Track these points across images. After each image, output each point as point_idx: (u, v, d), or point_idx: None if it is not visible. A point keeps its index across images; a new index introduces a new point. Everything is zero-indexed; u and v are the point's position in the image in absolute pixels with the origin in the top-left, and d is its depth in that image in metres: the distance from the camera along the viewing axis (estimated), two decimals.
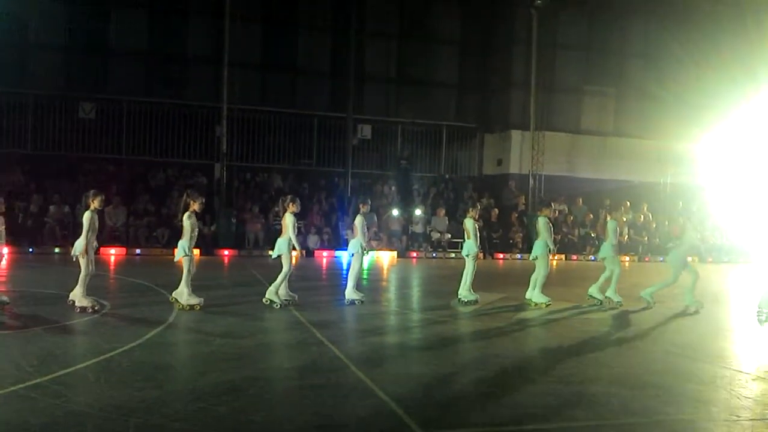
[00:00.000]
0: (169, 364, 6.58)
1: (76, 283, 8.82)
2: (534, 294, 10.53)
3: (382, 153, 24.56)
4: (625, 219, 23.18)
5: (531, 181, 23.46)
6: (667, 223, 23.70)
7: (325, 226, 21.02)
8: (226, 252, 19.35)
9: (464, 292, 10.61)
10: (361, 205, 10.13)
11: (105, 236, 19.08)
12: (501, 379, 6.38)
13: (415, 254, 20.65)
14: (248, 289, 11.71)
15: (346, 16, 23.00)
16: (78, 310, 8.70)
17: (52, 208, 18.72)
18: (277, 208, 11.12)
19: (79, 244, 8.70)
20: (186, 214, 9.03)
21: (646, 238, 23.15)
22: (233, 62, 20.48)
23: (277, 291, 9.60)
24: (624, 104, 25.11)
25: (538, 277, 10.53)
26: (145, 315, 8.88)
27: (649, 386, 6.21)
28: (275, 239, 9.85)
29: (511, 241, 22.09)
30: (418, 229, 21.43)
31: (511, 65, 24.46)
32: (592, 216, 23.33)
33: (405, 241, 21.09)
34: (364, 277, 15.77)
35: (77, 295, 8.76)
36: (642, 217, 23.78)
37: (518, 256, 21.35)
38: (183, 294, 9.14)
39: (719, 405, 5.67)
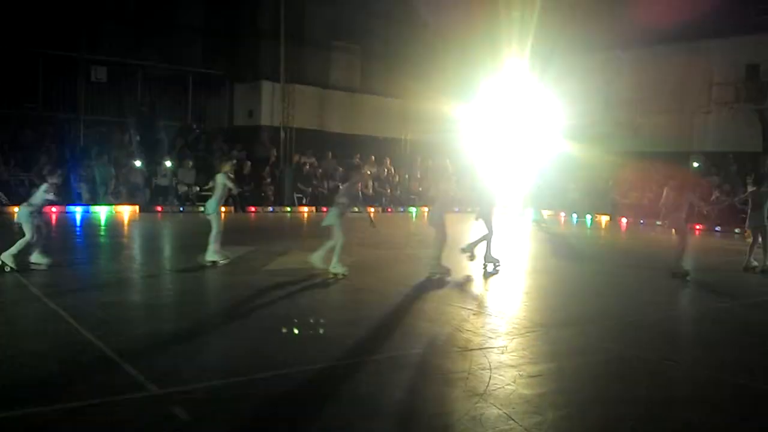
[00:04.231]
0: None
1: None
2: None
3: (120, 98, 22.43)
4: (369, 172, 24.45)
5: (282, 134, 23.41)
6: (407, 176, 25.56)
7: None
8: None
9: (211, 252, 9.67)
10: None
11: None
12: (243, 330, 6.29)
13: (160, 209, 19.45)
14: None
15: None
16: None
17: None
18: None
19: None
20: (219, 175, 9.60)
21: (389, 191, 24.65)
22: None
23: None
24: (370, 62, 26.09)
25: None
26: None
27: (377, 325, 6.60)
28: None
29: (262, 194, 21.94)
30: (164, 182, 20.17)
31: (260, 13, 23.82)
32: (341, 169, 24.10)
33: (148, 195, 19.72)
34: (102, 234, 14.52)
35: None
36: (386, 170, 25.21)
37: (270, 209, 21.32)
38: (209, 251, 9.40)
39: (445, 339, 6.22)
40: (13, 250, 8.55)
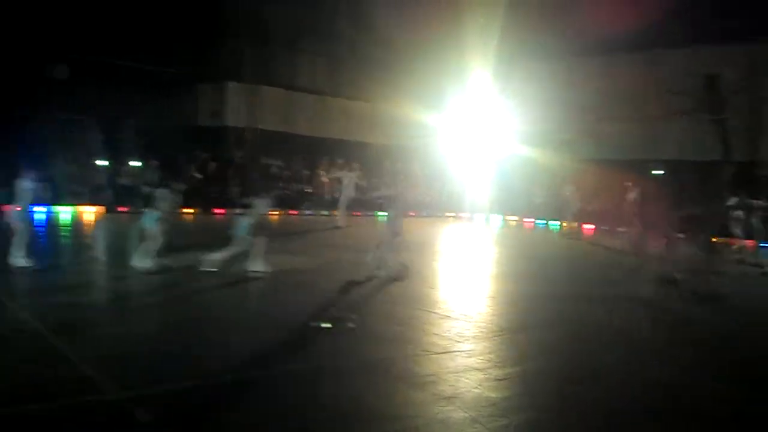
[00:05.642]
0: None
1: None
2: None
3: (82, 96, 21.90)
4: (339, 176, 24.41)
5: (248, 135, 23.20)
6: (374, 180, 25.57)
7: None
8: None
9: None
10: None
11: None
12: (208, 333, 6.22)
13: (123, 209, 19.07)
14: None
15: None
16: None
17: None
18: None
19: None
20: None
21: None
22: None
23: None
24: (337, 65, 26.02)
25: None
26: None
27: (345, 329, 6.60)
28: None
29: (228, 197, 21.70)
30: (127, 181, 19.81)
31: (224, 13, 23.54)
32: (308, 172, 24.00)
33: (111, 195, 19.33)
34: (65, 234, 14.24)
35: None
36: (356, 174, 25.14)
37: (236, 211, 21.10)
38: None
39: (414, 342, 6.26)
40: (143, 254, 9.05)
